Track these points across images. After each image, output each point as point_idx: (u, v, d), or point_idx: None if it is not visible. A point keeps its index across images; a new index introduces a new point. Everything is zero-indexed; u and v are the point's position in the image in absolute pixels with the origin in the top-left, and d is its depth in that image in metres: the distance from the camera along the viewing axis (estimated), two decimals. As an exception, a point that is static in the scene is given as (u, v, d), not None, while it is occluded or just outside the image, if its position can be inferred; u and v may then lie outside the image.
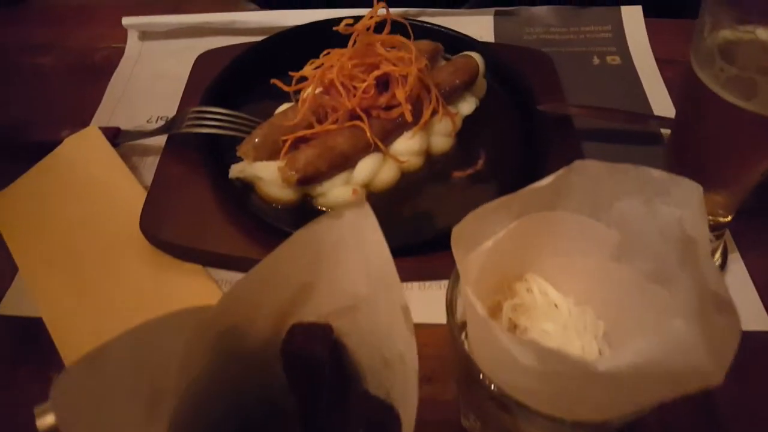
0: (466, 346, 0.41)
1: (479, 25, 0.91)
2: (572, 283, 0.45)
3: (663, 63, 0.86)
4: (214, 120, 0.67)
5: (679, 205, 0.37)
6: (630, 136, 0.75)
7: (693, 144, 0.51)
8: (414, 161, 0.67)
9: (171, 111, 0.78)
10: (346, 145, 0.63)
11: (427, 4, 1.09)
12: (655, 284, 0.39)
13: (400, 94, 0.63)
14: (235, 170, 0.63)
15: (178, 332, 0.31)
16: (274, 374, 0.37)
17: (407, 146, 0.66)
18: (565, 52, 0.88)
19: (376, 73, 0.62)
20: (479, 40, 0.88)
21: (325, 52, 0.65)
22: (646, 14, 0.92)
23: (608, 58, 0.87)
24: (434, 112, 0.67)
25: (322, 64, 0.65)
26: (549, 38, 0.90)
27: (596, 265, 0.43)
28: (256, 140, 0.63)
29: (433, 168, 0.68)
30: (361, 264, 0.33)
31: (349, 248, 0.33)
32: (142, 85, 0.83)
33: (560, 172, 0.40)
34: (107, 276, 0.61)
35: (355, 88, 0.63)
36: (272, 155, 0.64)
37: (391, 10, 0.88)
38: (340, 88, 0.62)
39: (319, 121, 0.65)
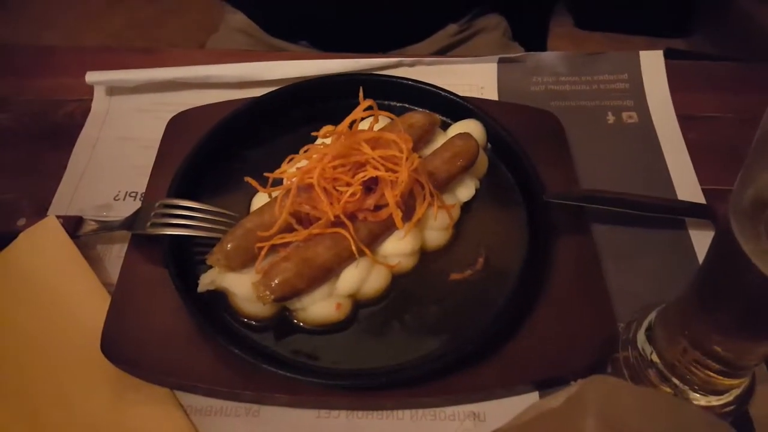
0: None
1: (482, 74, 0.82)
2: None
3: (685, 120, 0.78)
4: (182, 217, 0.60)
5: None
6: (648, 219, 0.67)
7: (725, 300, 0.43)
8: (406, 262, 0.60)
9: (141, 184, 0.71)
10: (329, 255, 0.56)
11: (434, 15, 1.00)
12: None
13: (390, 196, 0.56)
14: (204, 283, 0.56)
15: None
16: None
17: (398, 248, 0.59)
18: (576, 107, 0.79)
19: (361, 177, 0.55)
20: (481, 90, 0.80)
21: (304, 148, 0.58)
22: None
23: (624, 115, 0.78)
24: (429, 206, 0.60)
25: (311, 155, 0.57)
26: (558, 89, 0.81)
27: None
28: (228, 247, 0.56)
29: (428, 268, 0.61)
30: None
31: None
32: (109, 152, 0.75)
33: (573, 388, 0.33)
34: (62, 402, 0.55)
35: (338, 191, 0.55)
36: (246, 263, 0.57)
37: (386, 60, 0.81)
38: (322, 194, 0.54)
39: (300, 221, 0.58)
